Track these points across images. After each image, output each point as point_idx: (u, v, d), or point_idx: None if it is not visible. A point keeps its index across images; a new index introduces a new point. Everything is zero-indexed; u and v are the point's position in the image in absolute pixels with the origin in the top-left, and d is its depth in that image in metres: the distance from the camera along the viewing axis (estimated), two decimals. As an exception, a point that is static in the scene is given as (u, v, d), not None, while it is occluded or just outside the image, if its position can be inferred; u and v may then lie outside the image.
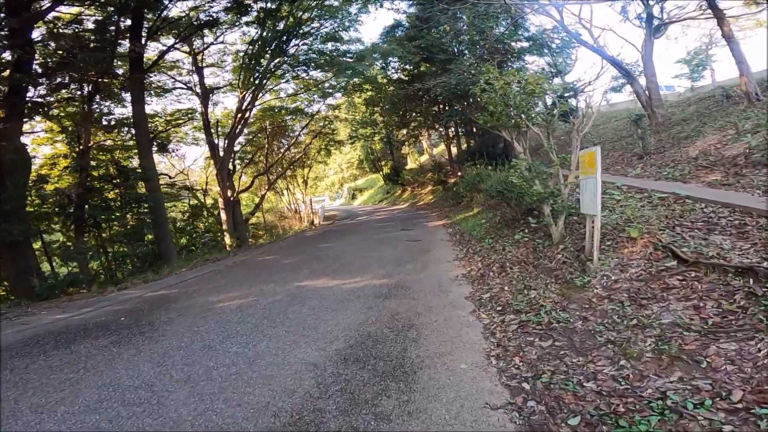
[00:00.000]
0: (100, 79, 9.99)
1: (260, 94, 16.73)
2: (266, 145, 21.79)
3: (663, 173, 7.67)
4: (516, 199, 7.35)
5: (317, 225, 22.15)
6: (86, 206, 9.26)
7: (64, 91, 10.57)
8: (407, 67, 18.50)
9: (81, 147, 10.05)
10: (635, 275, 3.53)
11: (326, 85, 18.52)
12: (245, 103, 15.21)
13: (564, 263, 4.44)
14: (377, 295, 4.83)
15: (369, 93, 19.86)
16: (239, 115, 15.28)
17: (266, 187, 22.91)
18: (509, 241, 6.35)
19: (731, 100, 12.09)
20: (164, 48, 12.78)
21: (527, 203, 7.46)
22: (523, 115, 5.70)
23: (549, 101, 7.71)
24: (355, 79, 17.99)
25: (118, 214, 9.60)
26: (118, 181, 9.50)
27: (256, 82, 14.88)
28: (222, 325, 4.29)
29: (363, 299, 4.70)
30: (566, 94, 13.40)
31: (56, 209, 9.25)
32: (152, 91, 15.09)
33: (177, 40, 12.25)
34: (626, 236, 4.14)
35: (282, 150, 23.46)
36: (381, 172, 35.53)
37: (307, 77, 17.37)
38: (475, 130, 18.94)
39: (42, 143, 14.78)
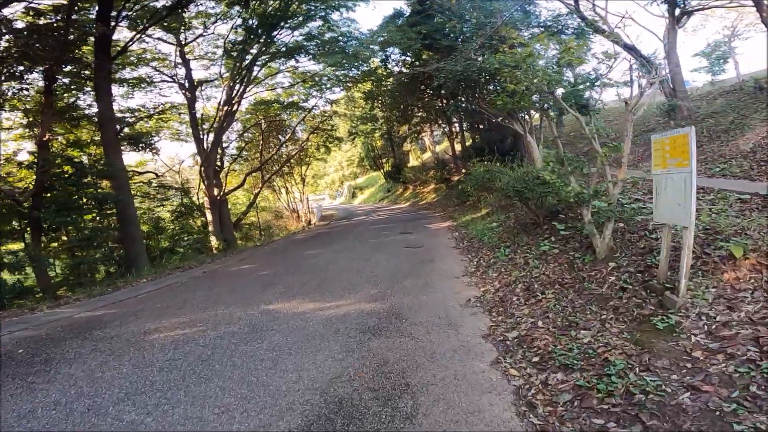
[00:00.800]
0: (56, 67, 8.73)
1: (250, 87, 15.50)
2: (261, 141, 20.57)
3: (714, 169, 6.41)
4: (537, 199, 6.09)
5: (313, 225, 20.91)
6: (39, 208, 7.99)
7: (16, 81, 9.26)
8: (408, 59, 17.23)
9: (37, 141, 8.78)
10: (757, 316, 2.27)
11: (324, 78, 17.28)
12: (233, 95, 13.98)
13: (622, 290, 3.17)
14: (362, 329, 3.56)
15: (368, 85, 18.59)
16: (226, 108, 14.04)
17: (260, 185, 21.65)
18: (533, 253, 5.06)
19: (764, 91, 11.10)
20: (140, 36, 11.56)
21: (551, 204, 6.22)
22: (555, 93, 4.43)
23: (559, 92, 6.49)
24: (353, 71, 16.74)
25: (75, 216, 8.31)
26: (73, 179, 8.20)
27: (244, 72, 13.65)
28: (138, 370, 3.05)
29: (343, 336, 3.44)
30: (581, 86, 12.12)
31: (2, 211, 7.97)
32: (130, 83, 13.93)
33: (148, 24, 10.96)
34: (720, 255, 2.87)
35: (277, 146, 22.19)
36: (382, 170, 34.06)
37: (298, 65, 16.11)
38: (480, 126, 17.65)
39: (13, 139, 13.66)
